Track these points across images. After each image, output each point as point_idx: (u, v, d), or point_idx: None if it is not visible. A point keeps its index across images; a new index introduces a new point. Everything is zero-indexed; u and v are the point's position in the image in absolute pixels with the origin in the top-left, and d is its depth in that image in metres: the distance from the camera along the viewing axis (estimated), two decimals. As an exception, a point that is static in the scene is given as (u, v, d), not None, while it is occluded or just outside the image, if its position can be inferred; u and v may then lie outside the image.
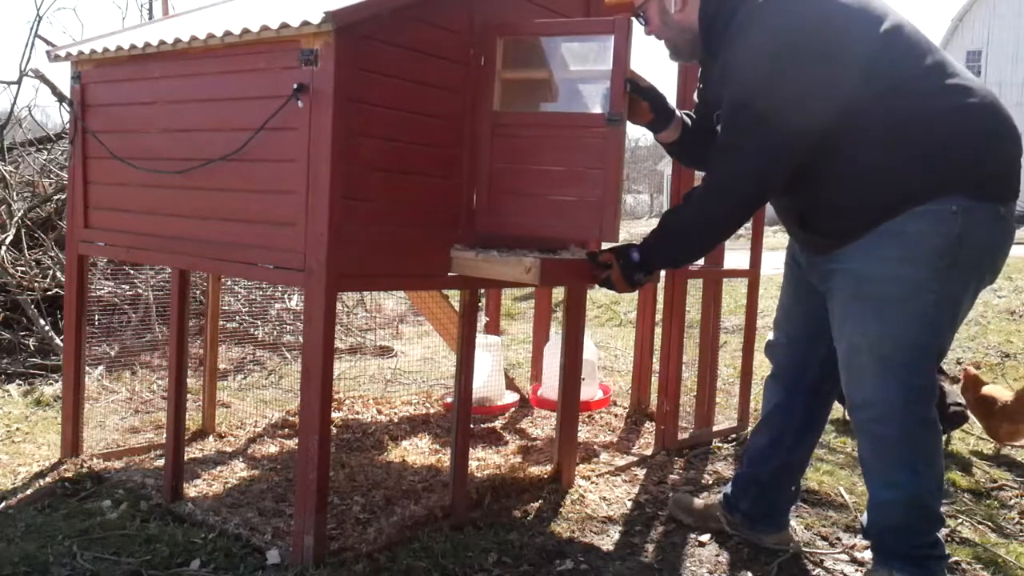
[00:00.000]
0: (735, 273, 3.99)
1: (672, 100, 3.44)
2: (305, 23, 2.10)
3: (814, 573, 2.46)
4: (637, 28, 2.39)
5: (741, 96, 2.10)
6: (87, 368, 3.27)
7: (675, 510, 2.78)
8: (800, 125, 2.06)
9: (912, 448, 2.14)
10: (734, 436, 3.71)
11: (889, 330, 2.11)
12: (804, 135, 2.07)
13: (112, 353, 4.38)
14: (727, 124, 2.16)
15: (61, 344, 3.68)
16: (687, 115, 2.56)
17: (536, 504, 2.83)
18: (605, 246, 2.54)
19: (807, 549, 2.58)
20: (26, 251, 5.03)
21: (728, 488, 2.67)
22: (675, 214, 2.35)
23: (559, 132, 2.44)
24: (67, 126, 4.49)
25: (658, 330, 3.84)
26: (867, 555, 2.52)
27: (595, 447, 3.48)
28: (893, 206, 2.08)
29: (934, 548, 2.18)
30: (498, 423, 3.78)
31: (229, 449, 3.31)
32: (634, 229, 25.50)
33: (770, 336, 2.62)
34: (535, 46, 2.57)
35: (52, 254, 5.07)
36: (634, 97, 2.40)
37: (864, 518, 2.30)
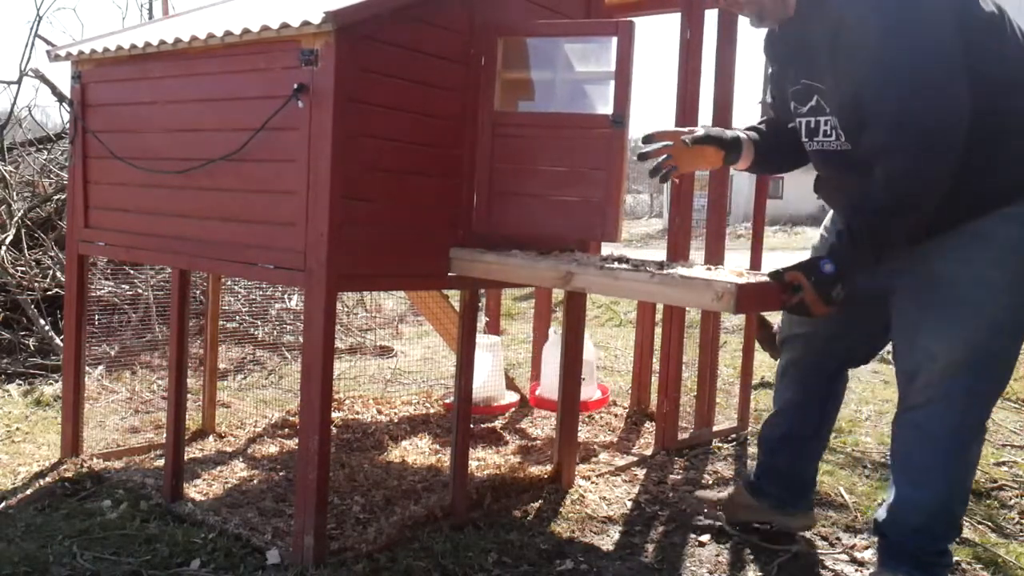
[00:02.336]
0: (735, 273, 3.98)
1: (673, 101, 3.44)
2: (305, 23, 2.11)
3: (814, 573, 2.46)
4: (638, 29, 2.38)
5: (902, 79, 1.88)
6: (87, 368, 3.27)
7: (697, 505, 2.82)
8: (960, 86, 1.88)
9: (957, 452, 2.10)
10: (734, 436, 3.71)
11: (966, 334, 2.02)
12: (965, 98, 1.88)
13: (112, 353, 4.38)
14: (895, 119, 1.91)
15: (61, 344, 3.68)
16: (750, 130, 2.43)
17: (536, 504, 2.83)
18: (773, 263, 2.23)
19: (807, 549, 2.58)
20: (26, 251, 5.03)
21: (752, 476, 2.70)
22: (861, 210, 2.04)
23: (561, 132, 2.44)
24: (67, 126, 4.49)
25: (658, 330, 3.84)
26: (867, 555, 2.52)
27: (595, 447, 3.48)
28: (981, 205, 1.99)
29: (943, 556, 2.17)
30: (498, 423, 3.78)
31: (229, 449, 3.31)
32: (634, 229, 25.51)
33: (788, 332, 2.57)
34: (536, 46, 2.56)
35: (52, 254, 5.06)
36: (697, 148, 2.31)
37: (879, 514, 2.23)
